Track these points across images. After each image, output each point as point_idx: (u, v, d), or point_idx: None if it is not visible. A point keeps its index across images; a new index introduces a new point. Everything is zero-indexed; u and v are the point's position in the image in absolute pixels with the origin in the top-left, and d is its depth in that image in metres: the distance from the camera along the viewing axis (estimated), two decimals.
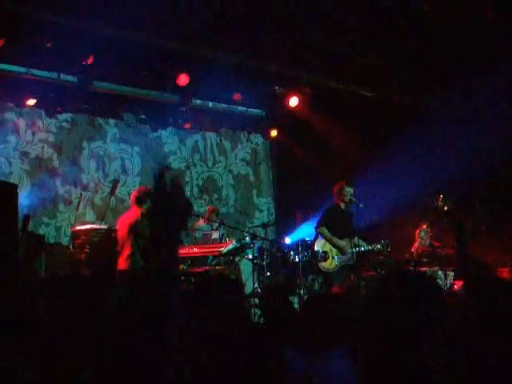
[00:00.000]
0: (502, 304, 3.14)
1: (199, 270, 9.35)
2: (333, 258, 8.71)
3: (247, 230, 10.78)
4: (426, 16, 8.60)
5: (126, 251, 7.87)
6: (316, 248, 8.79)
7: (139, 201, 8.12)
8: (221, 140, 12.34)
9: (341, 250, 8.69)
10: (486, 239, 9.97)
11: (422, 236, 9.69)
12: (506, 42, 8.85)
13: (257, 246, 9.81)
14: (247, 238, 9.77)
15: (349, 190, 8.81)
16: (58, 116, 10.29)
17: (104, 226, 9.13)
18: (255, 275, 9.24)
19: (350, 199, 8.77)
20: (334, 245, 8.71)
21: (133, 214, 8.07)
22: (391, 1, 8.35)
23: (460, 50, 9.27)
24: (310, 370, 3.15)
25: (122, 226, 8.11)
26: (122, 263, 7.85)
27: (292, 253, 10.00)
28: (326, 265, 8.69)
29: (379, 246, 8.91)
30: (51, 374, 2.59)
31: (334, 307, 3.52)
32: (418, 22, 8.69)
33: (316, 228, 8.87)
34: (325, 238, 8.74)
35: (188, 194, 11.78)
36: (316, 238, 8.93)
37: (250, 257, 9.70)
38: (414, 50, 9.42)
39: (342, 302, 3.58)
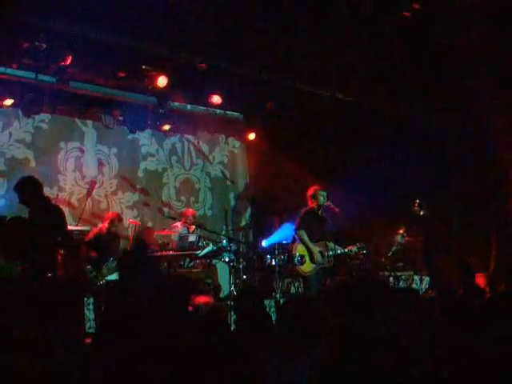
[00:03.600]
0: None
1: (175, 272, 9.32)
2: (310, 261, 8.74)
3: (224, 233, 10.77)
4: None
5: None
6: (293, 252, 8.80)
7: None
8: (198, 143, 12.31)
9: (312, 257, 8.71)
10: (461, 244, 10.07)
11: (398, 241, 9.76)
12: None
13: (233, 249, 9.81)
14: (224, 241, 9.78)
15: (323, 194, 8.85)
16: (36, 116, 10.19)
17: (81, 228, 9.09)
18: (231, 278, 9.23)
19: (324, 203, 8.82)
20: (308, 249, 8.73)
21: None
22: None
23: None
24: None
25: None
26: None
27: (268, 256, 10.02)
28: (303, 268, 8.71)
29: (355, 249, 8.96)
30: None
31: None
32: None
33: (295, 231, 8.88)
34: (301, 241, 8.76)
35: (165, 195, 11.78)
36: (294, 241, 8.95)
37: (227, 260, 9.70)
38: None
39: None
